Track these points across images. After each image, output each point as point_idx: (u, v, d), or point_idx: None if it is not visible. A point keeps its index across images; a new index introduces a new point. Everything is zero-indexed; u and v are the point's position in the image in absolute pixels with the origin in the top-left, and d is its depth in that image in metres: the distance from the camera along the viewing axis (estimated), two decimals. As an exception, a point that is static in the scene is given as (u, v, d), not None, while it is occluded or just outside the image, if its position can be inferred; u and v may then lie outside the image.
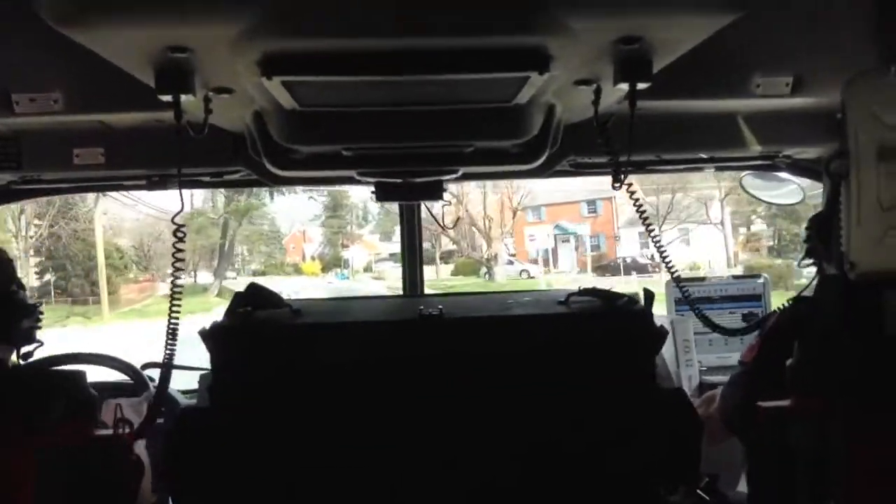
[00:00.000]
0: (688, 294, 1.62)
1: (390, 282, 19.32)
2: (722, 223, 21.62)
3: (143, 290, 22.78)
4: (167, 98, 1.19)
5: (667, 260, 1.62)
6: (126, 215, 21.72)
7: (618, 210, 22.41)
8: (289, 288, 15.93)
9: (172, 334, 1.39)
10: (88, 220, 19.98)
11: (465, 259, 22.27)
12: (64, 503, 1.32)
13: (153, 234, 22.62)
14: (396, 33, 1.05)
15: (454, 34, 1.06)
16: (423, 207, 2.46)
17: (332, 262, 27.08)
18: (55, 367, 1.83)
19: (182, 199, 1.40)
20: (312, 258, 28.19)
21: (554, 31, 1.06)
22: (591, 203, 23.18)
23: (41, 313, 1.65)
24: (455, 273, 21.64)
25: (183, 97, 1.20)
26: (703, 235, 22.13)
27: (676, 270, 1.66)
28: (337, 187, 24.92)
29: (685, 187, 20.73)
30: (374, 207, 28.68)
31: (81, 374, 1.45)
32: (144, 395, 1.88)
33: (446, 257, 23.72)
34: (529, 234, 22.63)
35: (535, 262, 22.59)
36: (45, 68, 1.47)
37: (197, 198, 23.45)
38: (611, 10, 1.04)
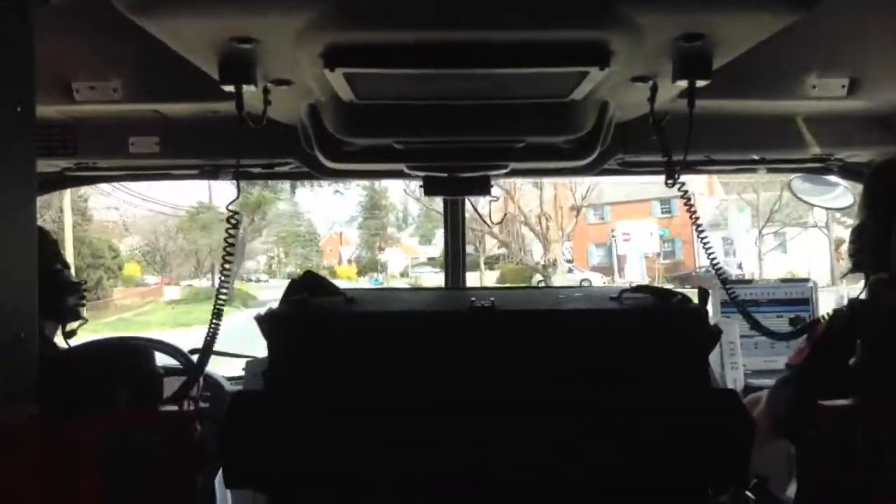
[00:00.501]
0: (735, 296, 1.80)
1: (427, 290, 19.04)
2: (826, 226, 20.98)
3: (146, 295, 22.74)
4: (230, 88, 1.41)
5: (714, 262, 1.81)
6: (137, 213, 22.25)
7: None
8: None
9: (218, 314, 1.58)
10: (79, 211, 19.97)
11: (515, 265, 21.80)
12: (132, 480, 1.50)
13: (167, 232, 23.14)
14: (461, 26, 1.25)
15: (517, 28, 1.25)
16: (468, 204, 2.66)
17: (368, 266, 27.46)
18: (121, 346, 2.13)
19: (238, 189, 1.67)
20: (349, 261, 28.75)
21: (618, 26, 1.24)
22: (666, 202, 22.87)
23: (86, 291, 1.95)
24: (501, 281, 21.10)
25: (244, 88, 1.41)
26: (805, 242, 21.57)
27: (724, 272, 1.85)
28: (375, 185, 25.03)
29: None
30: (414, 209, 28.83)
31: (149, 351, 1.70)
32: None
33: (492, 262, 23.20)
34: (623, 233, 22.03)
35: (597, 269, 22.39)
36: (106, 57, 1.73)
37: (203, 192, 23.62)
38: (677, 6, 1.18)
